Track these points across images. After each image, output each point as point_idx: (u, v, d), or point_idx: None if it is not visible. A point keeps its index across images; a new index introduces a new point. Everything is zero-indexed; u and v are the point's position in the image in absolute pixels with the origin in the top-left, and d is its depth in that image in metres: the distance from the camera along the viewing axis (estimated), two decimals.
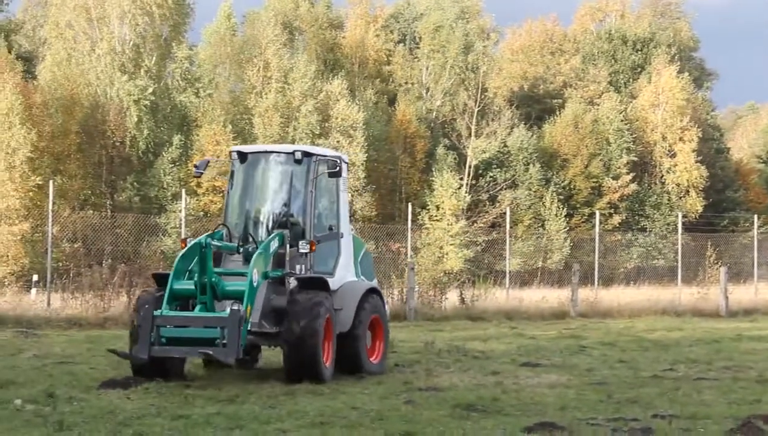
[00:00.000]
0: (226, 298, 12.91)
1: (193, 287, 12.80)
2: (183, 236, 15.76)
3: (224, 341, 12.26)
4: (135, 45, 48.99)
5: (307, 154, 14.35)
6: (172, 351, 12.54)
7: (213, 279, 12.80)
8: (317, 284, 13.67)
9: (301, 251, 13.73)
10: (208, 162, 15.21)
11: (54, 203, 28.80)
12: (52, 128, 43.10)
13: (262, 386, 12.89)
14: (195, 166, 14.99)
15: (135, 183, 45.89)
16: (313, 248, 13.83)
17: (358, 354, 14.06)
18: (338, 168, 14.11)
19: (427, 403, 11.73)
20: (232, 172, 14.58)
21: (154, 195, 45.53)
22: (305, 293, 13.36)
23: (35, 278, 31.25)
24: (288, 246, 13.75)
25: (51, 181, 29.41)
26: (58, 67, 48.13)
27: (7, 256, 38.49)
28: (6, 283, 34.77)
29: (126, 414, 10.54)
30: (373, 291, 14.70)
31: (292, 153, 14.37)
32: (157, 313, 12.51)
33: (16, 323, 21.30)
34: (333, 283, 14.14)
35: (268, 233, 14.00)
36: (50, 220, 27.68)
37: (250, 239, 13.83)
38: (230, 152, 14.94)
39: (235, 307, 12.51)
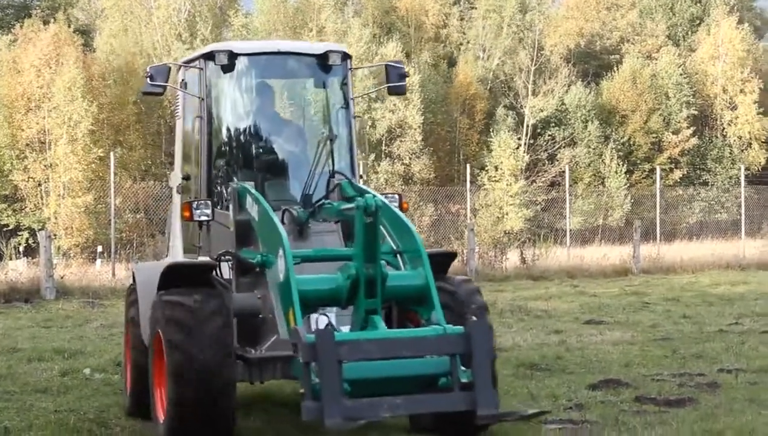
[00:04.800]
0: (391, 299, 7.20)
1: (340, 284, 6.93)
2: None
3: (464, 381, 6.42)
4: (191, 14, 49.24)
5: (346, 57, 9.05)
6: (380, 408, 6.24)
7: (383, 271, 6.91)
8: (442, 261, 8.28)
9: None
10: (170, 69, 8.98)
11: (116, 175, 29.14)
12: (111, 99, 43.49)
13: None
14: (149, 76, 8.69)
15: None
16: (406, 207, 8.54)
17: None
18: (405, 81, 9.07)
19: None
20: (209, 88, 8.81)
21: None
22: (449, 279, 8.11)
23: (100, 248, 31.75)
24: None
25: (112, 153, 29.76)
26: (115, 38, 48.54)
27: (72, 228, 39.06)
28: (72, 254, 35.39)
29: None
30: None
31: (325, 54, 8.88)
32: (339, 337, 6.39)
33: (82, 293, 21.56)
34: None
35: (307, 187, 8.50)
36: (113, 191, 28.03)
37: (314, 201, 8.35)
38: (209, 54, 8.74)
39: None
